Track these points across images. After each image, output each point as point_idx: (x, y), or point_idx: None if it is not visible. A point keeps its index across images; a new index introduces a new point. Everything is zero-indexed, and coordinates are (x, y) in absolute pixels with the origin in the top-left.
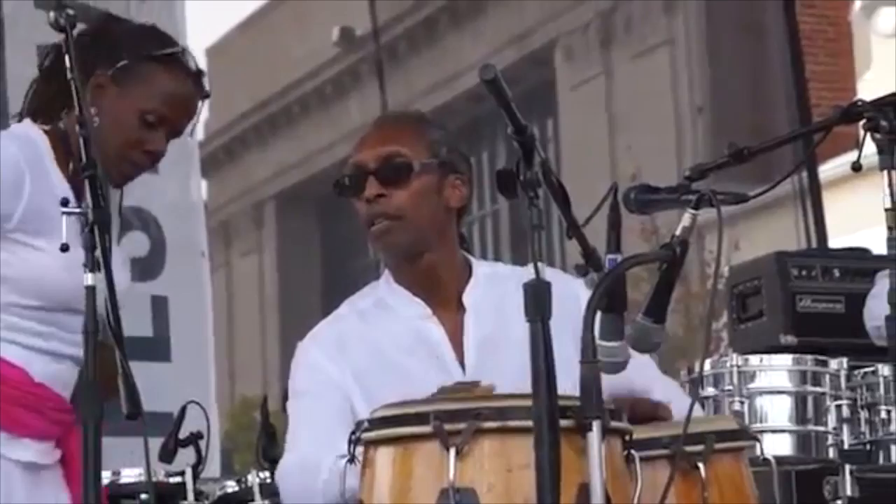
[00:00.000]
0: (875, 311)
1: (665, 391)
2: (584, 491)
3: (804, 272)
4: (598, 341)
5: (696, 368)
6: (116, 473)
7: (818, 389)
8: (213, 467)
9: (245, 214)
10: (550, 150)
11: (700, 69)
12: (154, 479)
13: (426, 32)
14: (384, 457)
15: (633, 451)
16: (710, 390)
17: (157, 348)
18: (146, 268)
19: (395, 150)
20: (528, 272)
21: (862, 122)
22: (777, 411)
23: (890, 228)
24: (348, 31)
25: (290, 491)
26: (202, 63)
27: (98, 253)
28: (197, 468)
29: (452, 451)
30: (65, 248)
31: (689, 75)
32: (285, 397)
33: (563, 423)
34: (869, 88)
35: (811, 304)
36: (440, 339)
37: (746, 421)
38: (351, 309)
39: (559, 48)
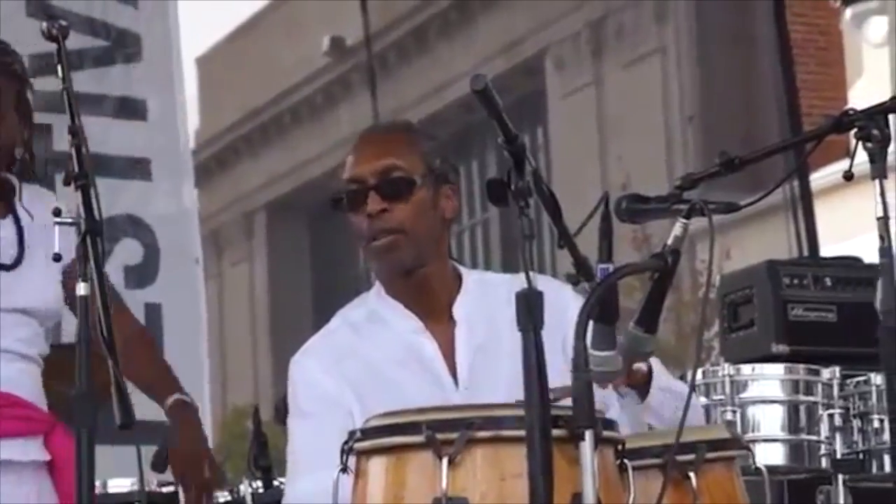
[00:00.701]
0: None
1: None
2: (576, 500)
3: (796, 281)
4: (589, 350)
5: (688, 377)
6: (104, 484)
7: (810, 398)
8: None
9: (236, 224)
10: (540, 158)
11: (691, 78)
12: (146, 489)
13: (416, 42)
14: (377, 466)
15: (625, 461)
16: (702, 399)
17: None
18: (140, 275)
19: (393, 164)
20: (519, 280)
21: (854, 131)
22: (769, 420)
23: (881, 237)
24: (339, 40)
25: None
26: (192, 72)
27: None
28: None
29: (445, 461)
30: (57, 257)
31: (680, 84)
32: (277, 408)
33: (556, 432)
34: (860, 97)
35: (803, 312)
36: (433, 354)
37: (738, 430)
38: (342, 322)
39: (550, 57)
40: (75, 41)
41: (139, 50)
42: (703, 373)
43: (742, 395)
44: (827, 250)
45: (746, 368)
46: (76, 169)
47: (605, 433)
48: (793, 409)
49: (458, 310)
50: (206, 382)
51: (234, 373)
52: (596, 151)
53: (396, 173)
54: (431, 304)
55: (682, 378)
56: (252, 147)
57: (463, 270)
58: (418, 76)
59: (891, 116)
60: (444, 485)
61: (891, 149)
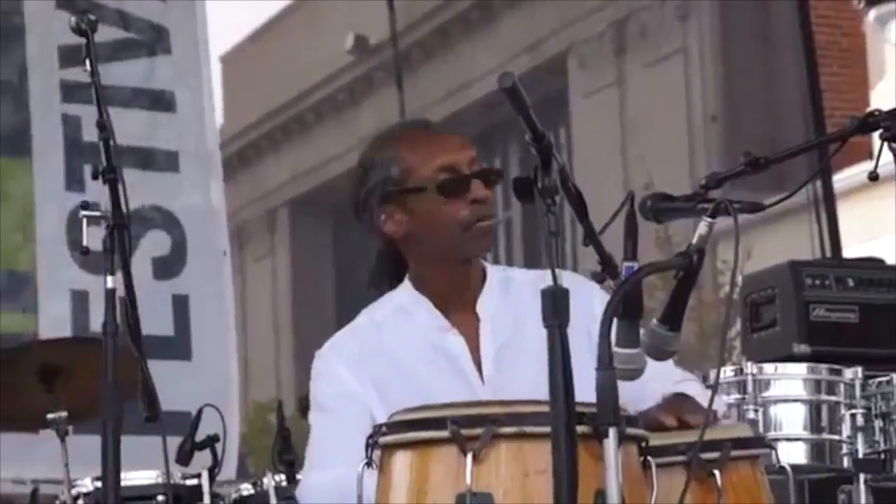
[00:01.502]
0: None
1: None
2: (600, 497)
3: (818, 281)
4: (614, 348)
5: (711, 377)
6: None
7: (833, 398)
8: (229, 469)
9: (259, 220)
10: (563, 158)
11: (714, 78)
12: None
13: (440, 41)
14: (401, 461)
15: (649, 458)
16: (724, 398)
17: (177, 347)
18: (167, 266)
19: (474, 155)
20: (543, 277)
21: (879, 132)
22: (792, 420)
23: None
24: (362, 39)
25: None
26: (216, 71)
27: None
28: (213, 471)
29: (469, 456)
30: (85, 251)
31: (703, 84)
32: (300, 403)
33: (580, 429)
34: (882, 98)
35: (825, 313)
36: (460, 352)
37: (761, 429)
38: (368, 319)
39: (572, 56)
40: (104, 34)
41: (168, 44)
42: (735, 371)
43: (764, 395)
44: (849, 251)
45: (769, 368)
46: (104, 162)
47: (629, 430)
48: (815, 409)
49: (483, 306)
50: (235, 373)
51: (256, 368)
52: (618, 151)
53: (484, 164)
54: (460, 297)
55: (705, 378)
56: (275, 144)
57: (487, 266)
58: (441, 75)
59: None
60: (468, 480)
61: None
